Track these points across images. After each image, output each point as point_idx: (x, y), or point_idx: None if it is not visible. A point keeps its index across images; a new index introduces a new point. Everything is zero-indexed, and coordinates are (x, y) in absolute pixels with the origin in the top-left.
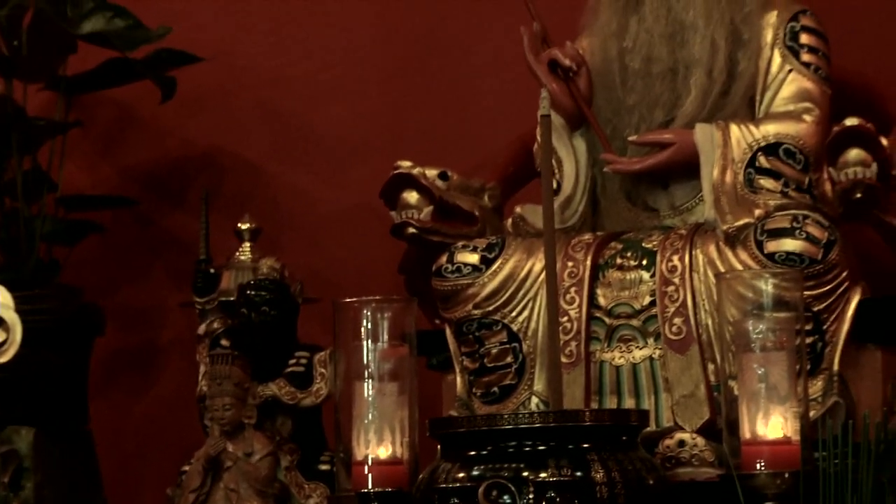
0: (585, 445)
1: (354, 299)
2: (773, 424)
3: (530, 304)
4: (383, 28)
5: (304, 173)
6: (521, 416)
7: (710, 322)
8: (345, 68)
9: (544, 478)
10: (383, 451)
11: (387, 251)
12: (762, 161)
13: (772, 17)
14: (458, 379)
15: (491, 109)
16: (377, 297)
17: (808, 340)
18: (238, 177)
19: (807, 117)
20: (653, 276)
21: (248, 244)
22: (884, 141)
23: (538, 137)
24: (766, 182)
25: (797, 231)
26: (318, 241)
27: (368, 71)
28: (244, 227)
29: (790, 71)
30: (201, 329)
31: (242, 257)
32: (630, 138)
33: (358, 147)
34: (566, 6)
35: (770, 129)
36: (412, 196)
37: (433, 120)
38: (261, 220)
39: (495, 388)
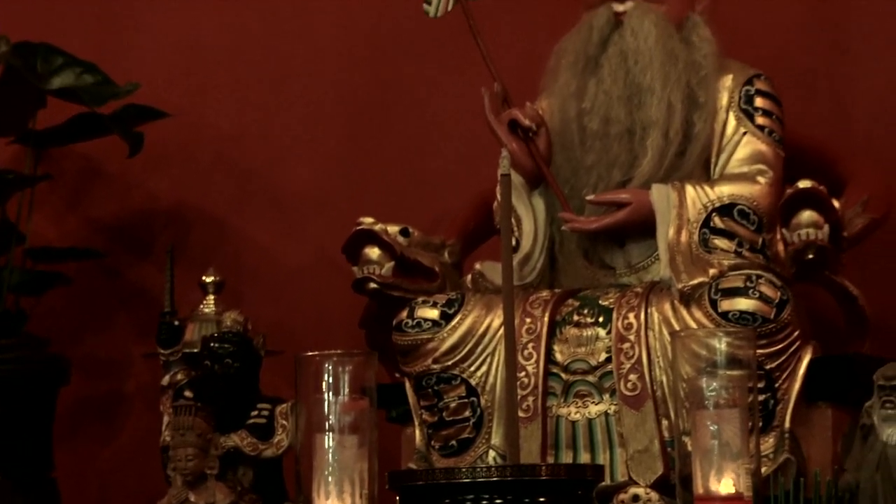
0: (542, 499)
1: (316, 353)
2: (726, 480)
3: (489, 360)
4: (344, 86)
5: (267, 228)
6: (478, 469)
7: (664, 379)
8: (306, 125)
9: None
10: (343, 503)
11: (348, 305)
12: (717, 221)
13: (727, 81)
14: (417, 432)
15: (451, 167)
16: (338, 351)
17: (761, 398)
18: (202, 230)
19: (761, 179)
20: (609, 332)
21: (212, 297)
22: (836, 203)
23: (498, 196)
24: (721, 242)
25: (750, 290)
26: (280, 295)
27: (329, 128)
28: (208, 279)
29: (745, 133)
30: (165, 380)
31: (206, 310)
32: (588, 198)
33: (319, 202)
34: (526, 67)
35: (725, 190)
36: (374, 252)
37: (394, 176)
38: (225, 273)
39: (453, 442)
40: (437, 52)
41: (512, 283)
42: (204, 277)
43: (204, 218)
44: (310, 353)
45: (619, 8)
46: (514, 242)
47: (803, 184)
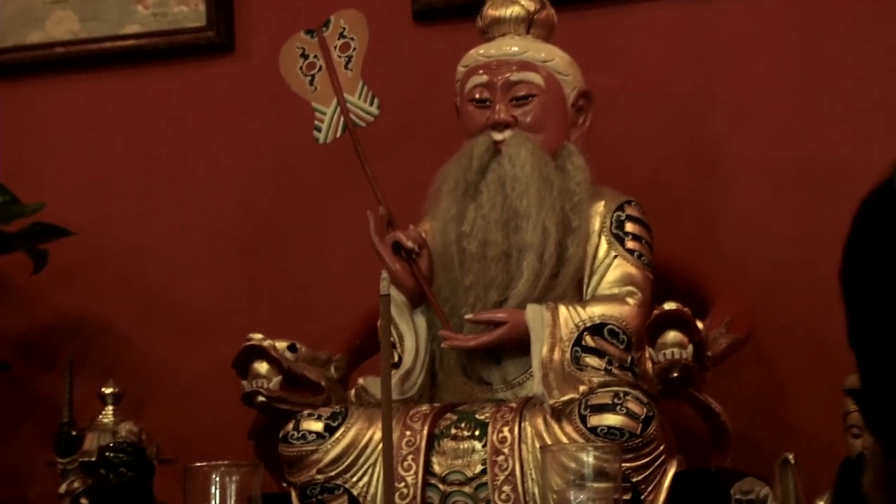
0: None
1: (204, 464)
2: None
3: (370, 471)
4: (242, 208)
5: (167, 341)
6: None
7: (536, 490)
8: (205, 244)
9: None
10: None
11: (242, 416)
12: (588, 340)
13: (599, 207)
14: None
15: (341, 286)
16: (226, 462)
17: None
18: (105, 343)
19: (630, 300)
20: (484, 445)
21: (110, 407)
22: (700, 324)
23: None
24: (592, 360)
25: (618, 407)
26: (179, 406)
27: (228, 248)
28: (107, 391)
29: (615, 257)
30: (62, 488)
31: (105, 420)
32: (466, 316)
33: (217, 317)
34: (410, 191)
35: (596, 311)
36: (262, 366)
37: (287, 294)
38: (126, 384)
39: None
40: (330, 178)
41: (391, 397)
42: (103, 389)
43: (107, 331)
44: (198, 464)
45: (498, 137)
46: (396, 358)
47: (669, 306)
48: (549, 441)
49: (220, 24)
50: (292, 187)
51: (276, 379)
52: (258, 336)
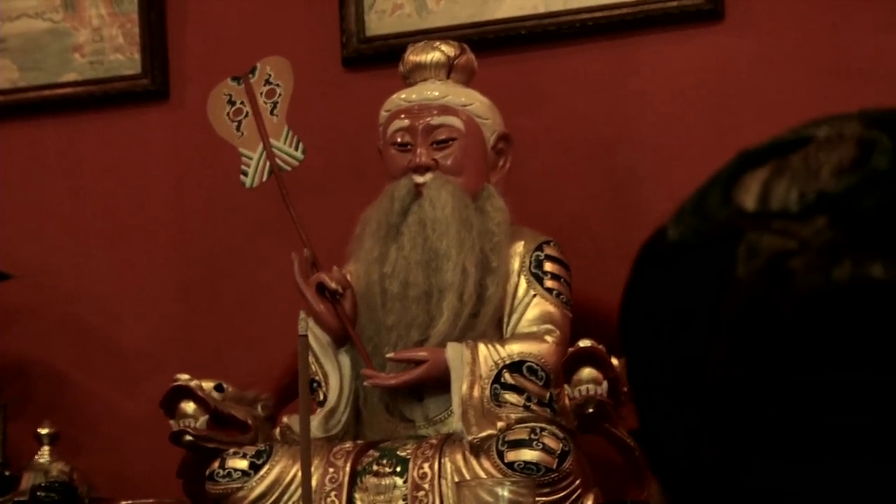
0: None
1: (131, 502)
2: None
3: None
4: (175, 251)
5: (104, 383)
6: None
7: None
8: (143, 287)
9: None
10: None
11: (175, 455)
12: (507, 377)
13: (519, 247)
14: None
15: (275, 327)
16: (150, 500)
17: None
18: (44, 385)
19: (548, 338)
20: (406, 482)
21: (46, 448)
22: (614, 361)
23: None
24: (511, 397)
25: (534, 442)
26: (115, 445)
27: (164, 290)
28: (43, 431)
29: (534, 296)
30: None
31: (41, 460)
32: (388, 355)
33: (154, 359)
34: (336, 234)
35: (515, 349)
36: (189, 406)
37: (222, 336)
38: (65, 425)
39: None
40: (259, 222)
41: (309, 435)
42: (39, 429)
43: (46, 373)
44: (125, 503)
45: (419, 179)
46: (321, 397)
47: (584, 343)
48: (468, 476)
49: (154, 72)
50: (224, 232)
51: (203, 418)
52: (185, 376)
